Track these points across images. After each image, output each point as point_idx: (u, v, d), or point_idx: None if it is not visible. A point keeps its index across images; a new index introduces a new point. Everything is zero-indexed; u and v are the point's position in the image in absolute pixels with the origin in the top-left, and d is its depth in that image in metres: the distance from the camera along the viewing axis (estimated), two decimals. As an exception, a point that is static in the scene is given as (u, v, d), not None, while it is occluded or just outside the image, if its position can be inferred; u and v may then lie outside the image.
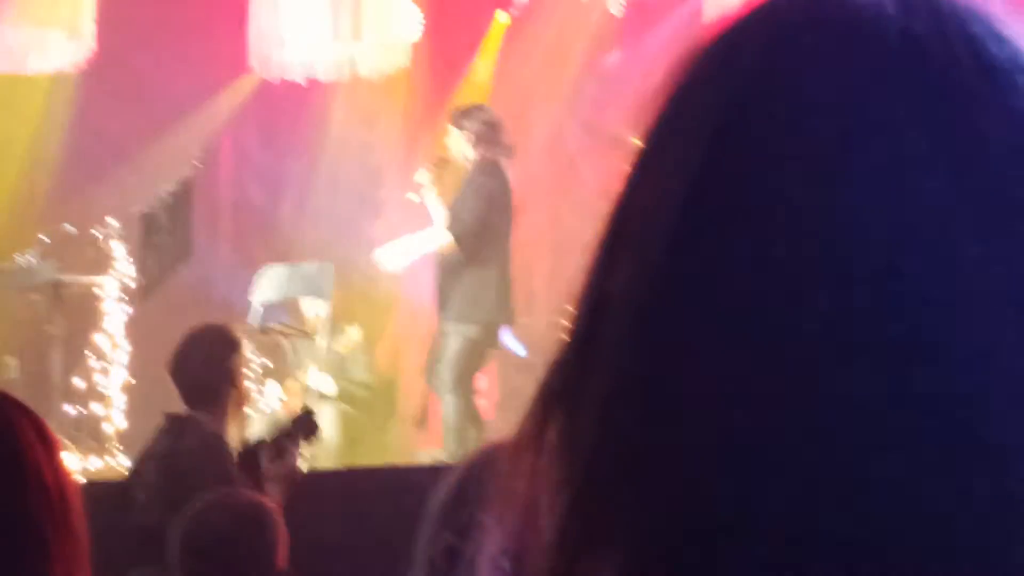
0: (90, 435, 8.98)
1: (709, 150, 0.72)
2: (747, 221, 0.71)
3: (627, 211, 0.75)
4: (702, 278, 0.71)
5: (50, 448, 1.87)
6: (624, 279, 0.73)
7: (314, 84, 11.92)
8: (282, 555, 4.06)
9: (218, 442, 5.64)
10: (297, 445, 5.31)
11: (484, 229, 8.56)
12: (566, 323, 0.76)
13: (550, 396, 0.75)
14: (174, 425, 5.75)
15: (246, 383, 5.92)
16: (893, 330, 0.68)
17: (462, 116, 8.92)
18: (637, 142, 0.76)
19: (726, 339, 0.69)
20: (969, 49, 0.72)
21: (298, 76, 11.57)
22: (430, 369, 8.70)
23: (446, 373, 8.46)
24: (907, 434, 0.67)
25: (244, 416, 5.99)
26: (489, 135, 8.77)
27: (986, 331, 0.68)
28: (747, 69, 0.73)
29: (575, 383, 0.74)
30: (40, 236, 9.57)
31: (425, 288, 9.41)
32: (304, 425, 5.46)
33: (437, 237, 8.64)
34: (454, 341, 8.50)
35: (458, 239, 8.53)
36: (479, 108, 9.12)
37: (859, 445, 0.67)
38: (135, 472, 5.90)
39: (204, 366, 5.79)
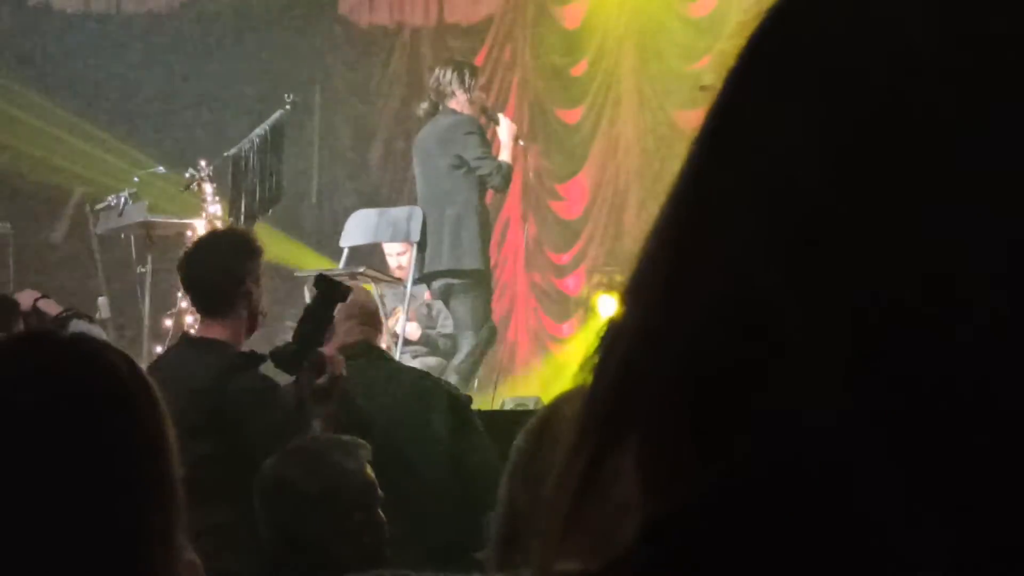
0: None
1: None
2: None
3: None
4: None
5: (154, 400, 1.89)
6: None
7: (402, 27, 11.94)
8: (343, 502, 4.07)
9: (272, 392, 5.22)
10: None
11: None
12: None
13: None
14: (200, 350, 5.31)
15: (263, 296, 5.46)
16: None
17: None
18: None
19: None
20: None
21: (386, 19, 11.59)
22: None
23: None
24: None
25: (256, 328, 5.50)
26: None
27: None
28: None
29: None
30: (132, 177, 9.66)
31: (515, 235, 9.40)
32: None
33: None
34: None
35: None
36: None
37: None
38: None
39: (218, 272, 5.38)
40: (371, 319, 5.60)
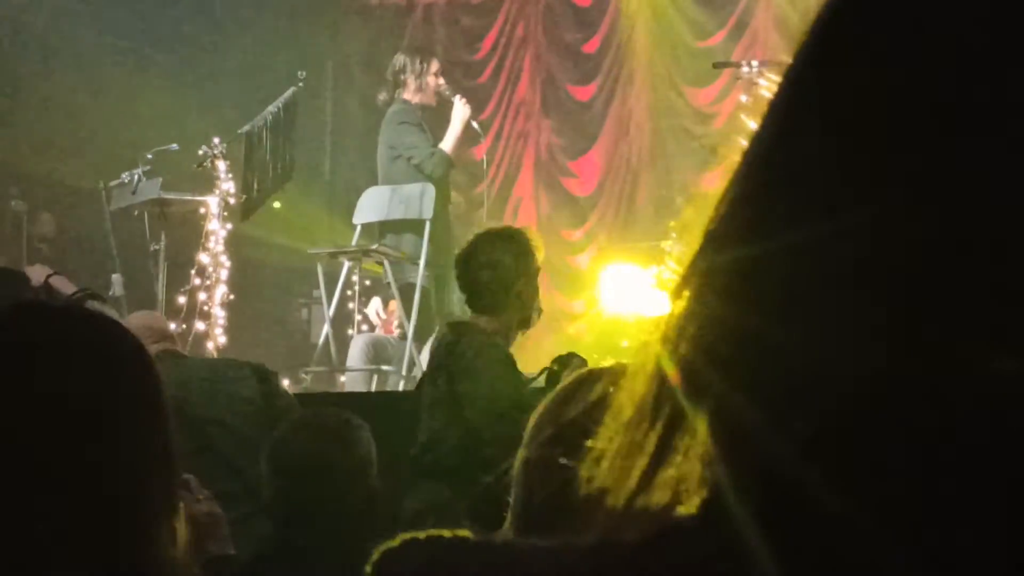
0: (192, 352, 9.10)
1: None
2: None
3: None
4: None
5: (146, 361, 1.92)
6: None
7: (415, 5, 11.92)
8: (370, 472, 4.09)
9: (493, 349, 5.46)
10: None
11: None
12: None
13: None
14: (452, 331, 5.62)
15: (531, 295, 5.67)
16: None
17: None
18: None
19: None
20: None
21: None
22: None
23: None
24: None
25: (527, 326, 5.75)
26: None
27: None
28: None
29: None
30: (146, 154, 9.67)
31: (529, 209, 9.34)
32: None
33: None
34: None
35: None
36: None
37: None
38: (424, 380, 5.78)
39: (488, 272, 5.58)
40: (163, 336, 5.98)
